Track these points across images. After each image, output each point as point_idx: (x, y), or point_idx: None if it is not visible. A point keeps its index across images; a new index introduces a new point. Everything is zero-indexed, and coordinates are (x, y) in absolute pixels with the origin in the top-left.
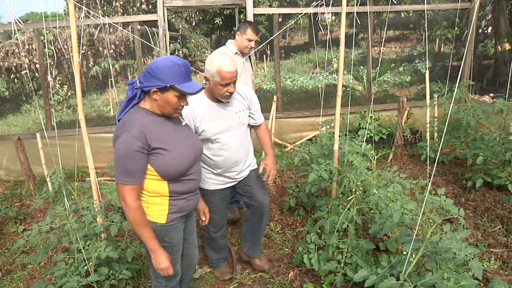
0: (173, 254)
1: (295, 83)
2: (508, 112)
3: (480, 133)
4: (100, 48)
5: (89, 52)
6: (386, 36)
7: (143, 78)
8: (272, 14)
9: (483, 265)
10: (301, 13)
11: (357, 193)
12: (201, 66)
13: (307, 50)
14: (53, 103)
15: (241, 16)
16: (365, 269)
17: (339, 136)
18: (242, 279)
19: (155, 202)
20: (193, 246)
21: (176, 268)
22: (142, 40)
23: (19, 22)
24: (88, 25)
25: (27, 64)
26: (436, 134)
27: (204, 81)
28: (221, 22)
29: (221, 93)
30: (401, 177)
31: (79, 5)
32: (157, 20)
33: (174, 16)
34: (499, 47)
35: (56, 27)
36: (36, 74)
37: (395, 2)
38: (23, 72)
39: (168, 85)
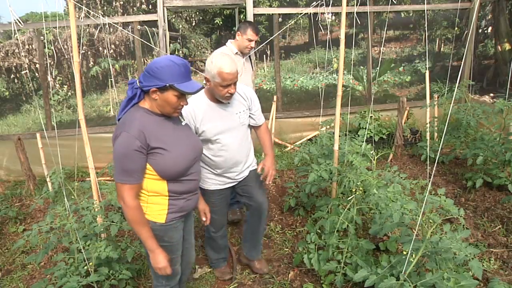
0: (173, 254)
1: (295, 83)
2: (508, 112)
3: (480, 133)
4: (100, 48)
5: (89, 52)
6: (386, 36)
7: (142, 77)
8: (272, 14)
9: (483, 265)
10: (301, 13)
11: (357, 193)
12: (201, 66)
13: (307, 50)
14: (53, 103)
15: (241, 16)
16: (365, 269)
17: (339, 136)
18: (242, 279)
19: (155, 201)
20: (191, 246)
21: (176, 267)
22: (142, 40)
23: (19, 22)
24: (88, 25)
25: (27, 64)
26: (436, 134)
27: (204, 82)
28: (221, 22)
29: (221, 94)
30: (401, 177)
31: (79, 5)
32: (157, 20)
33: (174, 16)
34: (499, 47)
35: (56, 27)
36: (36, 74)
37: (395, 2)
38: (23, 72)
39: (167, 84)
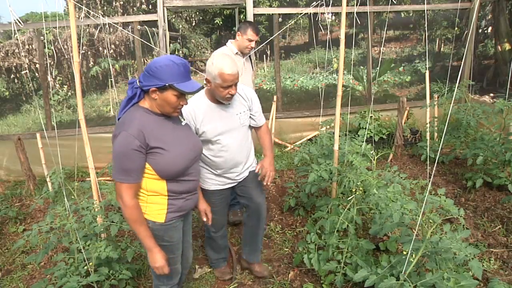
0: (174, 253)
1: (295, 83)
2: (508, 112)
3: (480, 133)
4: (100, 48)
5: (89, 52)
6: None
7: (142, 77)
8: (272, 14)
9: (483, 265)
10: (301, 13)
11: (357, 193)
12: (201, 66)
13: (307, 50)
14: (53, 103)
15: (241, 16)
16: (365, 269)
17: (339, 136)
18: (242, 279)
19: (154, 201)
20: (189, 245)
21: (177, 266)
22: (142, 40)
23: (19, 22)
24: (88, 25)
25: (27, 64)
26: (436, 134)
27: (204, 82)
28: (221, 22)
29: (222, 95)
30: (401, 177)
31: (79, 5)
32: (157, 20)
33: (174, 16)
34: (499, 47)
35: (56, 27)
36: (36, 74)
37: (395, 2)
38: (23, 72)
39: (167, 84)
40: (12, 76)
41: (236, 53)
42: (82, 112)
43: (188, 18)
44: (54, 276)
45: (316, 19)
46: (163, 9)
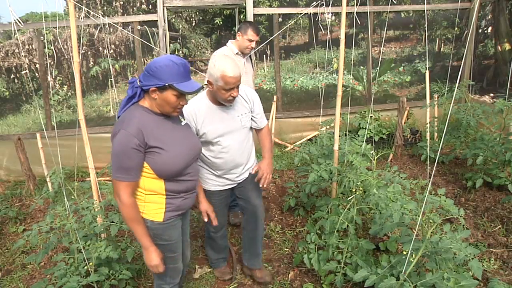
0: (174, 252)
1: (295, 83)
2: (508, 112)
3: (480, 133)
4: (100, 48)
5: (89, 52)
6: (386, 36)
7: (142, 77)
8: (272, 14)
9: (483, 265)
10: (301, 13)
11: (357, 193)
12: (201, 66)
13: (307, 50)
14: (53, 103)
15: (241, 16)
16: (365, 269)
17: (339, 136)
18: (242, 279)
19: (152, 200)
20: (187, 245)
21: (178, 265)
22: (142, 40)
23: (19, 22)
24: (88, 25)
25: (27, 64)
26: (436, 134)
27: (205, 83)
28: (221, 22)
29: (224, 98)
30: (401, 177)
31: (79, 5)
32: (157, 20)
33: (174, 16)
34: (499, 47)
35: (56, 27)
36: (36, 74)
37: (395, 2)
38: (23, 72)
39: (166, 84)
40: (12, 76)
41: (237, 53)
42: (82, 112)
43: (188, 18)
44: (54, 276)
45: (316, 19)
46: (163, 9)
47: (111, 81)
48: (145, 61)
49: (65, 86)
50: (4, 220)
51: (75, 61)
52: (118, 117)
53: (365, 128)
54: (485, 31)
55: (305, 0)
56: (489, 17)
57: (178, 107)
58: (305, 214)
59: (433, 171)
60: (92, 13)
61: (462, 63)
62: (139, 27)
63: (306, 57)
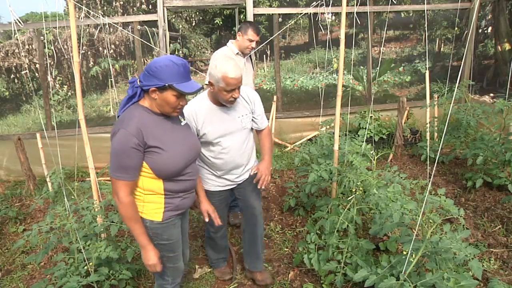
0: (174, 251)
1: (295, 83)
2: (508, 112)
3: (480, 133)
4: (100, 48)
5: (89, 52)
6: (386, 36)
7: (142, 77)
8: (272, 14)
9: (483, 265)
10: (301, 13)
11: (357, 193)
12: (201, 66)
13: (307, 50)
14: (53, 103)
15: (241, 16)
16: (365, 269)
17: (339, 136)
18: (242, 279)
19: (151, 200)
20: (186, 245)
21: (179, 264)
22: (142, 40)
23: (19, 22)
24: (88, 25)
25: (27, 64)
26: (436, 134)
27: (205, 83)
28: (221, 22)
29: (225, 99)
30: (401, 177)
31: (79, 5)
32: (157, 20)
33: (174, 16)
34: (499, 47)
35: (56, 27)
36: (36, 74)
37: (395, 2)
38: (23, 72)
39: (166, 84)
40: (12, 76)
41: (237, 53)
42: (82, 112)
43: (188, 18)
44: (54, 276)
45: (316, 19)
46: (163, 9)
47: (111, 81)
48: (145, 61)
49: (65, 86)
50: (4, 220)
51: (75, 61)
52: (118, 117)
53: (365, 128)
54: (485, 31)
55: (305, 0)
56: (489, 17)
57: (178, 107)
58: (305, 214)
59: (433, 171)
60: (92, 13)
61: (462, 63)
62: (139, 27)
63: (306, 57)
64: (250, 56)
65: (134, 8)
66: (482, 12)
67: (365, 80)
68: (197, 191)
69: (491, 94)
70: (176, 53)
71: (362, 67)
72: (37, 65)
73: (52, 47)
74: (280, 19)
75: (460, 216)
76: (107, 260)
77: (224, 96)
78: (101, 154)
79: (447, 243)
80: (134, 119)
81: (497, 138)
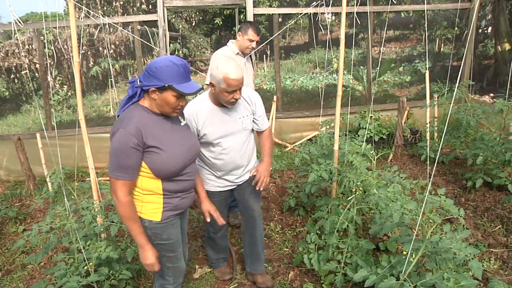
0: (174, 251)
1: (295, 83)
2: (508, 112)
3: (480, 133)
4: (100, 48)
5: (89, 52)
6: (386, 36)
7: (142, 77)
8: (272, 14)
9: (483, 265)
10: (301, 13)
11: (357, 193)
12: (201, 66)
13: (307, 50)
14: (53, 103)
15: (241, 16)
16: (365, 269)
17: (339, 136)
18: (242, 279)
19: (149, 200)
20: (185, 245)
21: (181, 264)
22: (142, 40)
23: (19, 22)
24: (88, 25)
25: (27, 64)
26: (436, 134)
27: (206, 83)
28: (221, 22)
29: (226, 100)
30: (401, 177)
31: (79, 5)
32: (157, 20)
33: (174, 16)
34: (499, 47)
35: (56, 27)
36: (36, 74)
37: (395, 2)
38: (23, 72)
39: (166, 85)
40: (12, 76)
41: (237, 53)
42: (82, 112)
43: (188, 18)
44: (54, 276)
45: (316, 19)
46: (163, 9)
47: (111, 81)
48: (145, 61)
49: (65, 86)
50: (4, 220)
51: (75, 61)
52: (118, 116)
53: (365, 128)
54: (485, 31)
55: (305, 0)
56: (489, 17)
57: (178, 108)
58: (305, 214)
59: (433, 171)
60: (92, 13)
61: (462, 63)
62: (139, 27)
63: (306, 57)
64: (250, 56)
65: (134, 8)
66: (482, 12)
67: (365, 80)
68: (197, 191)
69: (491, 94)
70: (176, 53)
71: (362, 67)
72: (37, 65)
73: (52, 47)
74: (280, 19)
75: (460, 216)
76: (107, 260)
77: (225, 97)
78: (101, 154)
79: (447, 243)
80: (134, 119)
81: (497, 138)
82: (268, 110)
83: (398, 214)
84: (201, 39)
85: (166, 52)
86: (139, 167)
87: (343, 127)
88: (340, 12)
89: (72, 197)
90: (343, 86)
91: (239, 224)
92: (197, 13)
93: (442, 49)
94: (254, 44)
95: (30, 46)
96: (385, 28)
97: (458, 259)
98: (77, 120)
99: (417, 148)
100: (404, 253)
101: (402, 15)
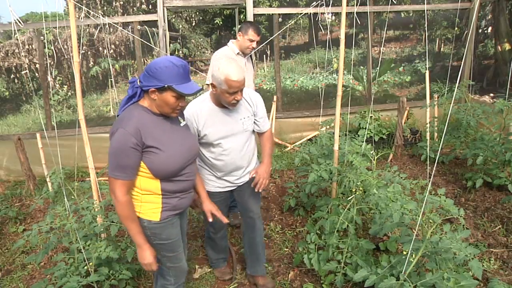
0: (174, 251)
1: (295, 83)
2: (508, 112)
3: (480, 133)
4: (100, 48)
5: (89, 52)
6: (386, 36)
7: (142, 77)
8: (272, 14)
9: (483, 265)
10: (301, 13)
11: (357, 193)
12: (201, 66)
13: (307, 50)
14: (53, 103)
15: (241, 16)
16: (365, 269)
17: (339, 136)
18: (242, 279)
19: (148, 200)
20: (184, 244)
21: (182, 264)
22: (142, 40)
23: (19, 22)
24: (88, 25)
25: (27, 64)
26: (436, 134)
27: (206, 82)
28: (221, 22)
29: (228, 101)
30: (401, 177)
31: (79, 5)
32: (157, 20)
33: (174, 16)
34: (499, 47)
35: (56, 27)
36: (36, 74)
37: (395, 2)
38: (23, 72)
39: (166, 85)
40: (12, 76)
41: (238, 53)
42: (82, 112)
43: (188, 18)
44: (54, 276)
45: (316, 19)
46: (163, 9)
47: (111, 81)
48: (145, 61)
49: (65, 86)
50: (4, 220)
51: (75, 61)
52: (117, 116)
53: (365, 128)
54: (485, 31)
55: (305, 0)
56: (489, 17)
57: (177, 109)
58: (305, 214)
59: (433, 171)
60: (92, 13)
61: (462, 63)
62: (139, 27)
63: (306, 57)
64: (250, 56)
65: (134, 8)
66: (482, 12)
67: (365, 80)
68: (198, 191)
69: (491, 94)
70: (176, 53)
71: (362, 67)
72: (37, 65)
73: (52, 47)
74: (280, 19)
75: (460, 216)
76: (107, 260)
77: (227, 98)
78: (101, 154)
79: (447, 243)
80: (133, 119)
81: (497, 138)
82: (268, 110)
83: (398, 214)
84: (201, 39)
85: (166, 52)
86: (138, 167)
87: (343, 127)
88: (340, 12)
89: (72, 197)
90: (343, 86)
91: (239, 224)
92: (197, 13)
93: (442, 49)
94: (254, 44)
95: (30, 46)
96: (385, 28)
97: (458, 259)
98: (77, 120)
99: (417, 148)
100: (404, 253)
101: (402, 15)
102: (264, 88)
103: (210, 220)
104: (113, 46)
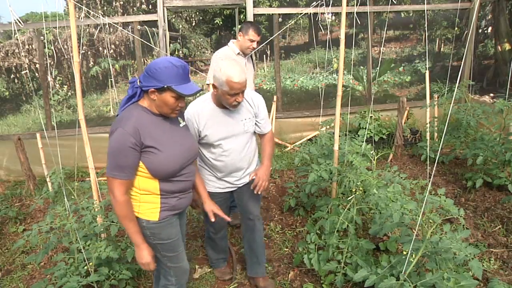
0: (175, 251)
1: (295, 83)
2: (508, 112)
3: (480, 133)
4: (100, 48)
5: (89, 52)
6: (386, 36)
7: (142, 78)
8: (272, 14)
9: (483, 265)
10: (301, 13)
11: (357, 193)
12: (201, 66)
13: (307, 50)
14: (53, 103)
15: (241, 16)
16: (365, 269)
17: (339, 136)
18: (242, 279)
19: (147, 200)
20: (183, 244)
21: (183, 264)
22: (142, 40)
23: (19, 22)
24: (88, 25)
25: (27, 64)
26: (436, 134)
27: (207, 82)
28: (221, 22)
29: (229, 102)
30: (401, 177)
31: (79, 5)
32: (157, 20)
33: (174, 16)
34: (499, 47)
35: (56, 27)
36: (36, 74)
37: (395, 2)
38: (23, 72)
39: (165, 86)
40: (12, 76)
41: (238, 53)
42: (82, 112)
43: (188, 18)
44: (54, 276)
45: (316, 19)
46: (163, 9)
47: (111, 81)
48: (145, 61)
49: (65, 86)
50: (4, 220)
51: (75, 61)
52: (117, 115)
53: (365, 128)
54: (485, 31)
55: (305, 0)
56: (489, 17)
57: (177, 109)
58: (305, 214)
59: (433, 171)
60: (92, 13)
61: (462, 63)
62: (139, 27)
63: (306, 57)
64: (250, 56)
65: (134, 8)
66: (482, 12)
67: (365, 80)
68: (199, 191)
69: (491, 94)
70: (176, 53)
71: (362, 67)
72: (37, 65)
73: (52, 47)
74: (280, 19)
75: (460, 216)
76: (107, 260)
77: (228, 100)
78: (101, 154)
79: (447, 243)
80: (132, 119)
81: (497, 138)
82: (268, 110)
83: (398, 214)
84: (201, 39)
85: (166, 52)
86: (137, 167)
87: (343, 127)
88: (340, 12)
89: (72, 197)
90: (343, 86)
91: (239, 224)
92: (197, 13)
93: (442, 49)
94: (254, 44)
95: (30, 46)
96: (385, 28)
97: (458, 259)
98: (77, 120)
99: (417, 148)
100: (404, 253)
101: (402, 15)
102: (264, 88)
103: (213, 220)
104: (113, 46)
